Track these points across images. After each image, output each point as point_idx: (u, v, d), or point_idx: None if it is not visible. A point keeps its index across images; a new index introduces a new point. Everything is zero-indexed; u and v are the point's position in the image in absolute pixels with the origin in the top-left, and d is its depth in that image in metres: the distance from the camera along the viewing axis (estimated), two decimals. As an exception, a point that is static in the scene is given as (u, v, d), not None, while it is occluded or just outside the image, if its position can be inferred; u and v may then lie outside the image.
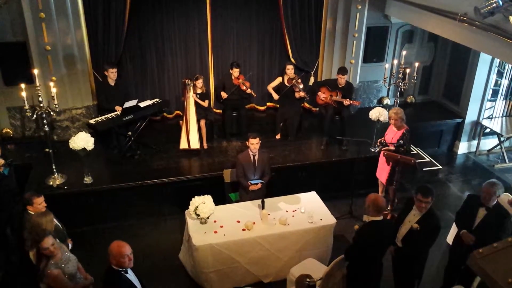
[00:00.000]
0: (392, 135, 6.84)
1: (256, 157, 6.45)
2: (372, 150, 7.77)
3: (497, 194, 5.02)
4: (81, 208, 6.78)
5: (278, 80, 8.23)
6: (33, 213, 4.87)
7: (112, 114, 7.36)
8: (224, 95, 7.99)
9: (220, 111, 8.67)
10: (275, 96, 8.21)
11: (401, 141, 6.67)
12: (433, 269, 5.92)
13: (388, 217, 6.57)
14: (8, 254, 5.92)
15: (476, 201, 5.19)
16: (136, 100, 7.50)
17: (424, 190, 4.91)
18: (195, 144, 7.62)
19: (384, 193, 7.31)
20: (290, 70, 7.99)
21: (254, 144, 6.31)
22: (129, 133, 7.54)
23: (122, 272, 4.03)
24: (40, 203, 4.95)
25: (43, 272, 4.23)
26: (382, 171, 7.06)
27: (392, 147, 6.75)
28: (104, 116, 7.31)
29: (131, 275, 4.13)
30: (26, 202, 4.97)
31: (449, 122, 9.25)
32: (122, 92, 7.64)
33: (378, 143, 6.94)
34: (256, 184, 6.44)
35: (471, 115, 9.03)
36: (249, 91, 8.07)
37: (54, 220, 4.87)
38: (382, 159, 7.03)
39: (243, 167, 6.42)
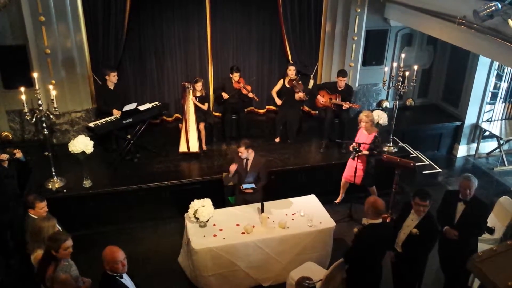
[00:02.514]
0: (364, 139, 6.90)
1: (249, 162, 6.42)
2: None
3: (474, 187, 5.12)
4: (80, 212, 6.77)
5: (280, 82, 8.25)
6: (35, 216, 4.87)
7: (112, 117, 7.35)
8: (225, 95, 7.99)
9: (220, 114, 8.67)
10: (278, 101, 8.25)
11: (373, 145, 6.82)
12: (433, 271, 5.91)
13: (387, 220, 6.56)
14: (8, 258, 5.90)
15: (454, 197, 5.27)
16: (136, 103, 7.50)
17: (422, 194, 4.91)
18: (194, 147, 7.62)
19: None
20: (291, 71, 8.00)
21: (240, 152, 6.29)
22: (129, 136, 7.54)
23: (117, 277, 4.02)
24: (42, 207, 4.95)
25: (52, 277, 4.20)
26: (353, 173, 7.07)
27: (365, 152, 6.83)
28: (104, 120, 7.31)
29: (126, 280, 4.11)
30: (29, 205, 4.96)
31: (448, 125, 9.26)
32: (121, 96, 7.65)
33: (351, 149, 6.94)
34: (247, 188, 6.42)
35: (470, 118, 9.04)
36: (251, 95, 8.06)
37: (57, 225, 4.86)
38: (352, 162, 7.06)
39: (237, 166, 6.43)
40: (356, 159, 6.83)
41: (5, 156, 5.78)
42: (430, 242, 4.96)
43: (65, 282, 4.17)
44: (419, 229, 4.90)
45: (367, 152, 6.85)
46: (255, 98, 8.18)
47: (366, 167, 7.03)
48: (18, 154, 5.93)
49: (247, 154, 6.30)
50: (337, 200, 7.55)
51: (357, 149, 6.80)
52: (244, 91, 8.02)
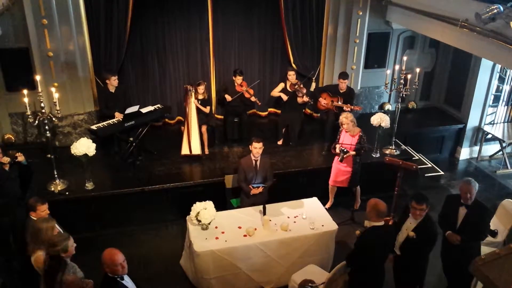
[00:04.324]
0: (350, 140, 6.92)
1: (258, 162, 6.45)
2: (374, 155, 7.81)
3: (474, 191, 5.09)
4: (82, 214, 6.77)
5: (281, 86, 8.24)
6: (35, 218, 4.88)
7: (114, 120, 7.38)
8: (228, 98, 7.98)
9: (222, 117, 8.68)
10: (284, 97, 8.13)
11: (359, 145, 6.87)
12: (435, 273, 5.89)
13: (390, 223, 6.55)
14: (10, 260, 5.91)
15: (455, 201, 5.25)
16: (138, 106, 7.52)
17: (419, 197, 4.91)
18: (196, 149, 7.62)
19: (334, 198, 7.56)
20: (291, 76, 8.00)
21: (257, 148, 6.31)
22: (131, 139, 7.54)
23: (118, 279, 4.02)
24: (43, 210, 4.98)
25: (61, 282, 4.19)
26: (341, 177, 7.14)
27: (352, 152, 6.88)
28: (106, 122, 7.32)
29: (127, 282, 4.11)
30: (30, 207, 4.99)
31: (450, 127, 9.24)
32: (123, 99, 7.65)
33: (337, 151, 6.94)
34: (258, 187, 6.43)
35: (472, 121, 9.03)
36: (253, 99, 8.06)
37: (56, 226, 4.88)
38: (338, 166, 7.10)
39: (244, 171, 6.42)
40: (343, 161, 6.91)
41: (6, 159, 5.80)
42: (427, 246, 4.94)
43: (73, 283, 4.18)
44: (417, 232, 4.89)
45: (354, 153, 6.88)
46: (258, 102, 8.17)
47: (353, 167, 7.04)
48: (20, 158, 5.95)
49: (262, 150, 6.36)
50: (327, 205, 7.44)
51: (345, 150, 6.83)
52: (247, 95, 8.02)
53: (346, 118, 6.87)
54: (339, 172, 7.14)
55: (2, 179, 5.76)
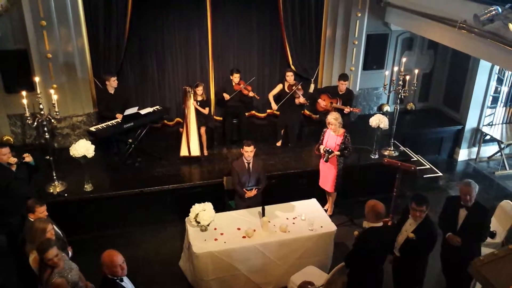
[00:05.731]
0: (334, 140, 6.92)
1: (251, 165, 6.44)
2: (373, 157, 7.82)
3: (474, 192, 5.10)
4: (81, 216, 6.77)
5: (279, 87, 8.24)
6: (32, 219, 4.90)
7: (113, 121, 7.36)
8: (227, 96, 7.96)
9: (221, 118, 8.68)
10: (274, 106, 8.23)
11: (343, 145, 6.85)
12: (434, 274, 5.89)
13: (388, 224, 6.56)
14: (13, 260, 5.91)
15: (455, 203, 5.26)
16: (137, 108, 7.51)
17: (419, 199, 4.91)
18: (195, 151, 7.62)
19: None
20: (289, 77, 8.00)
21: (248, 151, 6.31)
22: (130, 140, 7.54)
23: (117, 280, 4.02)
24: (42, 211, 5.01)
25: (48, 281, 4.21)
26: (327, 179, 7.13)
27: (337, 152, 6.88)
28: (105, 124, 7.31)
29: (127, 283, 4.12)
30: (29, 209, 5.01)
31: (449, 129, 9.26)
32: (122, 100, 7.64)
33: (323, 152, 6.95)
34: (252, 190, 6.43)
35: (471, 122, 9.04)
36: (251, 94, 8.04)
37: (54, 227, 4.88)
38: (324, 168, 7.11)
39: (238, 174, 6.42)
40: (328, 161, 6.92)
41: (14, 160, 5.82)
42: (427, 247, 4.95)
43: (59, 286, 4.18)
44: (417, 234, 4.89)
45: (338, 153, 6.88)
46: (256, 96, 8.14)
47: (337, 169, 7.02)
48: (28, 158, 5.96)
49: (253, 153, 6.33)
50: (326, 207, 7.40)
51: (330, 150, 6.83)
52: (245, 92, 8.01)
53: (335, 119, 6.84)
54: (323, 172, 7.15)
55: (9, 179, 5.77)
